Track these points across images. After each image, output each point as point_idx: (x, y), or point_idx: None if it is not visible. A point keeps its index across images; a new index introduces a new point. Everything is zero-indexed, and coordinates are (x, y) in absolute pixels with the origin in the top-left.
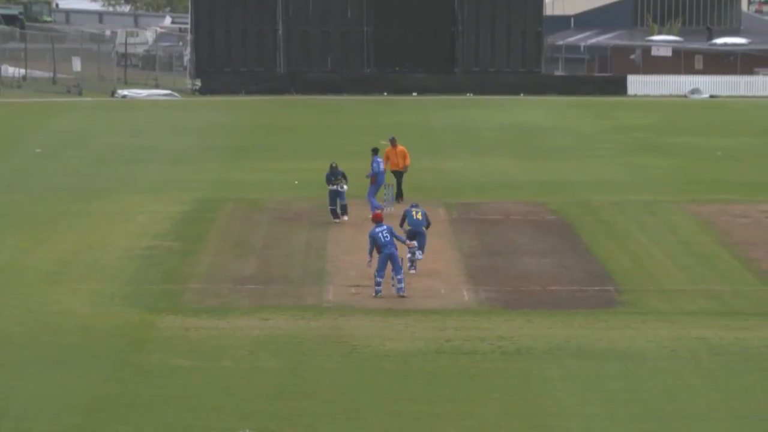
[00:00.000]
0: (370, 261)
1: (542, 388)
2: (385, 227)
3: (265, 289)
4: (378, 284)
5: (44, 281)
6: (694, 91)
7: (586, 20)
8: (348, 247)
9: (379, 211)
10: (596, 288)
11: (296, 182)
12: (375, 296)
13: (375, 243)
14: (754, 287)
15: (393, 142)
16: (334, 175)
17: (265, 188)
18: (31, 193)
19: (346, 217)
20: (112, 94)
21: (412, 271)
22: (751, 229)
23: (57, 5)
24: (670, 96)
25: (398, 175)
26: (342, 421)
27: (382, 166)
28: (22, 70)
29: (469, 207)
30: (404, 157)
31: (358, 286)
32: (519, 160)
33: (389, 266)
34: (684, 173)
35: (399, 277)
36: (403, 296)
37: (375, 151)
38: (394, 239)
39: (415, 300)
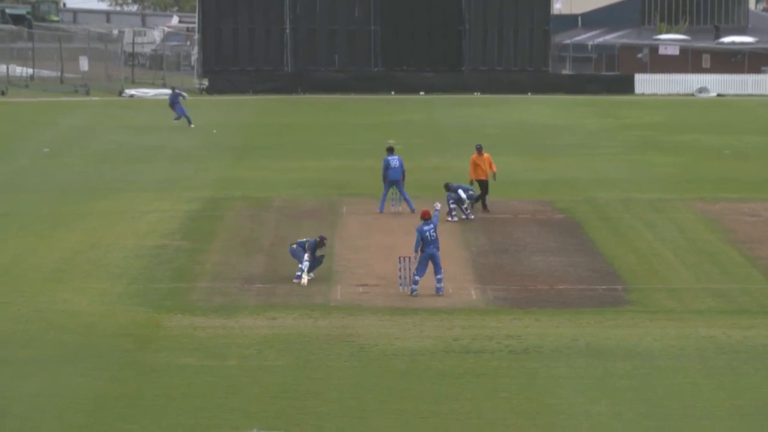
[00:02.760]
0: (416, 257)
1: (549, 387)
2: (432, 225)
3: (273, 288)
4: (415, 283)
5: (50, 280)
6: (702, 89)
7: (593, 19)
8: (356, 246)
9: (427, 209)
10: (604, 286)
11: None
12: (411, 294)
13: (421, 239)
14: (761, 285)
15: (479, 149)
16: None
17: (272, 187)
18: (38, 192)
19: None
20: (120, 93)
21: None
22: (759, 227)
23: (64, 5)
24: (678, 95)
25: (484, 185)
26: (347, 420)
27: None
28: (30, 70)
29: (477, 205)
30: (491, 165)
31: (365, 285)
32: (526, 158)
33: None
34: (691, 171)
35: (439, 276)
36: (441, 296)
37: (390, 150)
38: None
39: (423, 299)
